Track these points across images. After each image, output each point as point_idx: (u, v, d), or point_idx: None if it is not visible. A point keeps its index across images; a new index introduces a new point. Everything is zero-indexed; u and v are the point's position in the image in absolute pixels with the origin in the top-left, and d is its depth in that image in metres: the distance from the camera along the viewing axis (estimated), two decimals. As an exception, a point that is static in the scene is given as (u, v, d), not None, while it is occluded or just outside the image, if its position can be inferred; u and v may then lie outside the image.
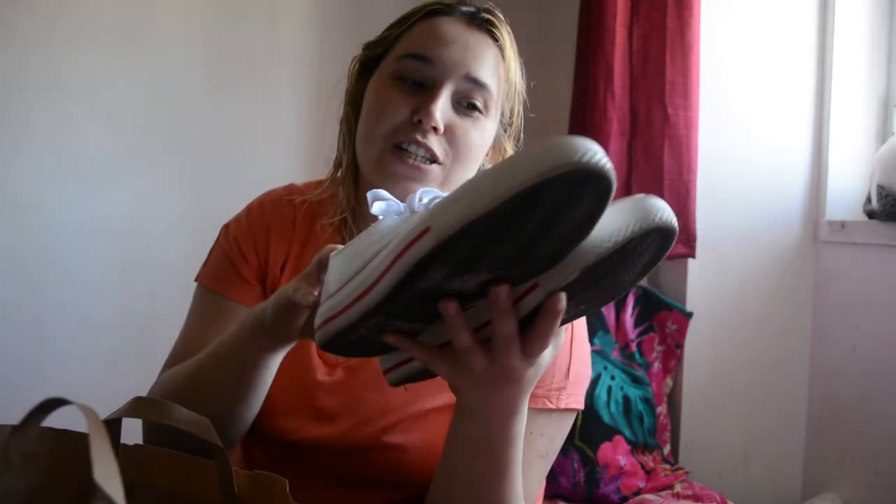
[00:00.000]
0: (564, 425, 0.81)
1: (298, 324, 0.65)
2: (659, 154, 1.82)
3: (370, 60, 0.86)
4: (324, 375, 0.83)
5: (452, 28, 0.81)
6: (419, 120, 0.77)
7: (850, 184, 1.90)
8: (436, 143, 0.79)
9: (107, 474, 0.34)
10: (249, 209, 0.93)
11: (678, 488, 1.69)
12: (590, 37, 1.93)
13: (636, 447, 1.76)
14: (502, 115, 0.86)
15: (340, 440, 0.81)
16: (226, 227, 0.92)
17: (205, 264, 0.91)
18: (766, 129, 1.91)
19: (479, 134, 0.81)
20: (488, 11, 0.83)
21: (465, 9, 0.83)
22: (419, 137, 0.78)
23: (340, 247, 0.61)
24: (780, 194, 1.91)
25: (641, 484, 1.71)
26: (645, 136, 1.86)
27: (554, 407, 0.78)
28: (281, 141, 2.10)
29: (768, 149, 1.91)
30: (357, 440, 0.80)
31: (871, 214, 1.72)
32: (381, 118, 0.80)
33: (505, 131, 0.88)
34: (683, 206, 1.82)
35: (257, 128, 2.07)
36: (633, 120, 1.88)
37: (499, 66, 0.82)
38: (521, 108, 0.89)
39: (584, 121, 1.94)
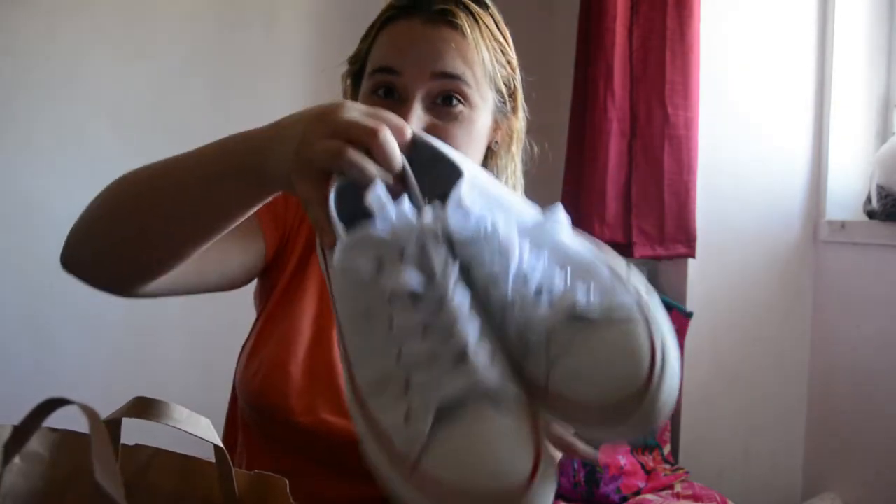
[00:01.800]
0: None
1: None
2: (659, 154, 1.82)
3: (356, 75, 0.87)
4: (337, 361, 0.84)
5: (410, 31, 0.80)
6: None
7: (850, 184, 1.90)
8: None
9: (108, 474, 0.34)
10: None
11: (678, 488, 1.69)
12: (590, 37, 1.93)
13: (636, 447, 1.76)
14: (498, 93, 0.83)
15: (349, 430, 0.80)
16: None
17: None
18: (766, 129, 1.91)
19: (464, 129, 0.79)
20: (443, 1, 0.80)
21: (418, 7, 0.81)
22: None
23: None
24: (780, 194, 1.92)
25: (641, 484, 1.71)
26: (645, 136, 1.86)
27: None
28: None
29: (768, 149, 1.91)
30: None
31: (871, 214, 1.72)
32: None
33: (504, 110, 0.85)
34: (683, 206, 1.82)
35: (258, 126, 2.07)
36: (633, 120, 1.88)
37: (468, 53, 0.79)
38: (515, 78, 0.86)
39: (584, 121, 1.94)
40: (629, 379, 0.40)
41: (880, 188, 1.67)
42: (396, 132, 0.53)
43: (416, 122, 0.76)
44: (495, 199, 0.49)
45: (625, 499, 1.68)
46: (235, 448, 0.93)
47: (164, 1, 1.97)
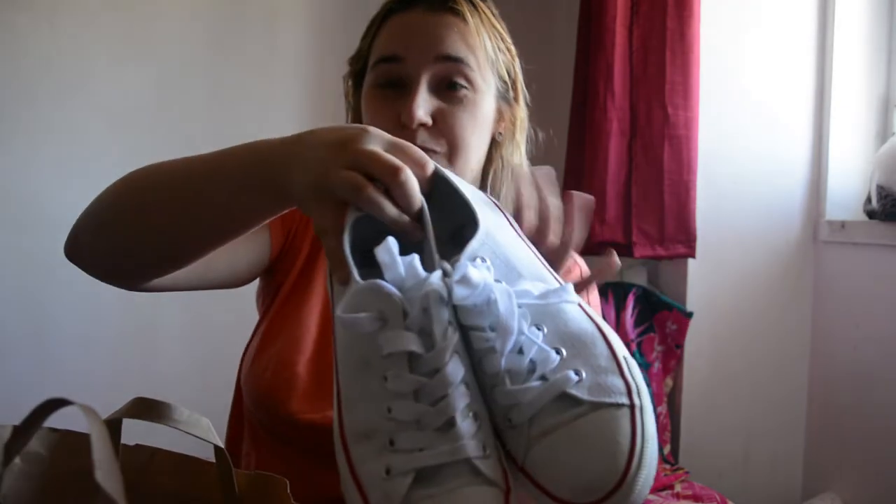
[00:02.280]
0: None
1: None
2: (659, 154, 1.83)
3: (357, 74, 0.87)
4: None
5: (412, 20, 0.81)
6: (405, 122, 0.77)
7: (850, 184, 1.90)
8: (427, 138, 0.78)
9: (108, 475, 0.34)
10: None
11: (678, 488, 1.69)
12: (590, 37, 1.93)
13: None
14: (500, 79, 0.84)
15: None
16: None
17: None
18: (766, 128, 1.91)
19: (469, 113, 0.80)
20: None
21: None
22: (411, 139, 0.77)
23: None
24: (780, 194, 1.92)
25: (641, 484, 1.71)
26: (645, 136, 1.86)
27: None
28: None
29: (768, 149, 1.91)
30: None
31: (871, 214, 1.72)
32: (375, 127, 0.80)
33: (507, 97, 0.86)
34: (683, 206, 1.82)
35: (258, 128, 2.07)
36: (633, 120, 1.88)
37: (469, 38, 0.81)
38: (515, 66, 0.87)
39: (584, 121, 1.94)
40: (604, 474, 0.40)
41: (880, 188, 1.67)
42: (418, 167, 0.53)
43: (422, 106, 0.77)
44: (504, 259, 0.50)
45: (625, 499, 1.68)
46: (239, 448, 0.93)
47: (165, 1, 1.97)
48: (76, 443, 0.58)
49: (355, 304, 0.46)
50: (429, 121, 0.78)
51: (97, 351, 1.90)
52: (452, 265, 0.46)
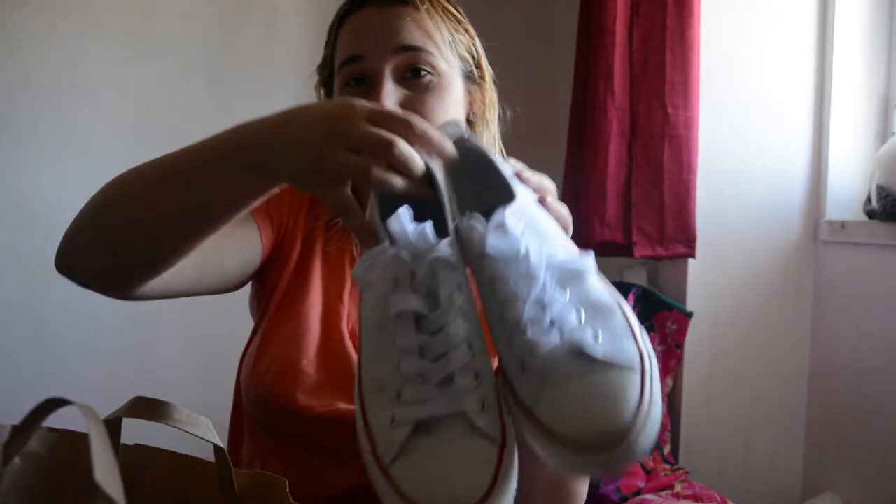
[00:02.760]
0: None
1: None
2: (659, 154, 1.82)
3: (327, 81, 0.89)
4: (350, 351, 0.85)
5: (366, 18, 0.82)
6: None
7: (850, 184, 1.90)
8: None
9: (107, 475, 0.34)
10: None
11: (678, 488, 1.69)
12: (590, 37, 1.93)
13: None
14: (462, 60, 0.85)
15: None
16: None
17: None
18: (766, 129, 1.91)
19: (437, 98, 0.81)
20: None
21: None
22: None
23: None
24: (780, 194, 1.92)
25: (641, 484, 1.71)
26: (645, 136, 1.86)
27: None
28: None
29: (768, 149, 1.91)
30: None
31: (871, 214, 1.72)
32: None
33: (473, 76, 0.87)
34: (683, 206, 1.82)
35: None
36: (633, 120, 1.88)
37: (424, 24, 0.82)
38: (476, 45, 0.88)
39: (584, 121, 1.94)
40: (613, 421, 0.42)
41: (880, 188, 1.67)
42: (406, 128, 0.54)
43: (390, 98, 0.78)
44: (537, 227, 0.53)
45: (625, 499, 1.68)
46: (240, 449, 0.93)
47: (165, 1, 1.97)
48: (75, 442, 0.58)
49: (367, 271, 0.51)
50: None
51: (97, 351, 1.90)
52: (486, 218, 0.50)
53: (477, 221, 0.51)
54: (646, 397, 0.43)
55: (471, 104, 0.87)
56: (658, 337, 1.88)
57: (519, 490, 0.53)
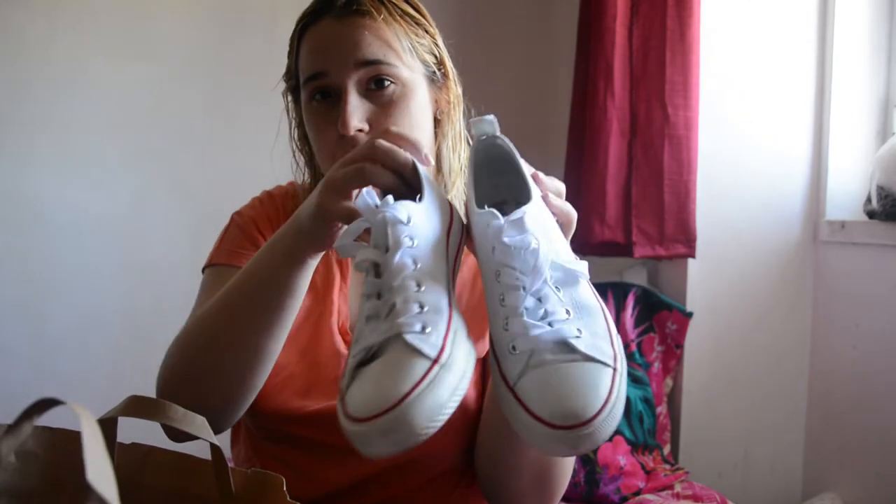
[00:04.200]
0: None
1: (335, 230, 0.67)
2: (659, 154, 1.82)
3: (293, 90, 0.89)
4: (341, 349, 0.86)
5: (324, 32, 0.83)
6: (342, 132, 0.79)
7: (850, 184, 1.90)
8: None
9: (100, 474, 0.35)
10: (261, 199, 0.96)
11: (678, 488, 1.69)
12: (590, 37, 1.93)
13: (636, 447, 1.76)
14: (423, 63, 0.85)
15: None
16: (238, 213, 0.94)
17: (216, 248, 0.91)
18: (766, 129, 1.91)
19: (402, 109, 0.81)
20: None
21: (326, 8, 0.83)
22: (354, 147, 0.77)
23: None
24: (780, 194, 1.91)
25: (641, 484, 1.71)
26: (645, 136, 1.86)
27: None
28: (281, 142, 2.09)
29: (768, 149, 1.91)
30: None
31: (871, 214, 1.72)
32: (319, 145, 0.83)
33: (436, 78, 0.87)
34: (683, 206, 1.82)
35: (257, 128, 2.07)
36: (633, 120, 1.88)
37: (382, 34, 0.81)
38: (439, 45, 0.88)
39: (584, 121, 1.94)
40: (584, 407, 0.48)
41: (880, 188, 1.67)
42: (371, 157, 0.64)
43: (355, 114, 0.79)
44: (546, 228, 0.59)
45: (625, 499, 1.68)
46: (237, 452, 0.94)
47: (165, 3, 1.98)
48: (72, 442, 0.58)
49: (342, 238, 0.60)
50: (365, 126, 0.79)
51: (97, 351, 1.90)
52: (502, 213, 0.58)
53: (494, 215, 0.57)
54: (614, 393, 0.49)
55: (437, 104, 0.87)
56: (658, 337, 1.88)
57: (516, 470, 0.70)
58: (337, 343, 0.86)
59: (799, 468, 1.95)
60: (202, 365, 0.74)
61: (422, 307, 0.53)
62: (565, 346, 0.51)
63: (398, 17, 0.83)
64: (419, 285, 0.54)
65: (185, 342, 0.76)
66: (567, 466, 0.81)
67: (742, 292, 1.91)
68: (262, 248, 0.73)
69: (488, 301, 0.57)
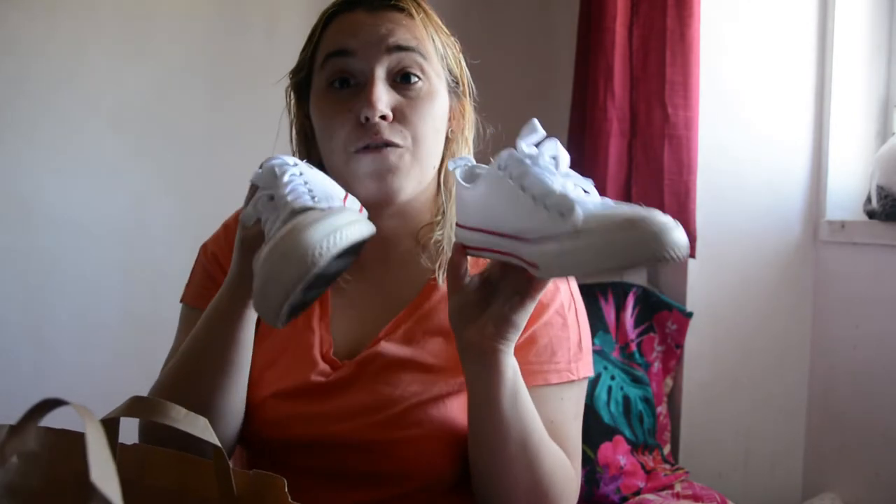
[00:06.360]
0: (584, 388, 0.87)
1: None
2: (659, 154, 1.82)
3: (300, 85, 0.87)
4: (329, 375, 0.82)
5: (356, 19, 0.80)
6: (366, 118, 0.76)
7: (850, 184, 1.90)
8: (390, 132, 0.78)
9: (104, 475, 0.35)
10: (226, 226, 0.93)
11: (678, 488, 1.69)
12: (590, 37, 1.93)
13: (636, 447, 1.76)
14: (450, 72, 0.84)
15: (353, 436, 0.79)
16: (204, 247, 0.92)
17: (188, 285, 0.91)
18: (766, 128, 1.91)
19: (428, 105, 0.80)
20: None
21: (360, 1, 0.81)
22: (374, 134, 0.77)
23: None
24: (780, 194, 1.91)
25: (641, 484, 1.71)
26: (645, 136, 1.86)
27: (576, 378, 0.84)
28: (282, 142, 2.09)
29: (768, 149, 1.91)
30: (371, 433, 0.79)
31: (871, 214, 1.72)
32: (332, 131, 0.79)
33: (456, 93, 0.86)
34: (683, 206, 1.81)
35: (257, 129, 2.07)
36: (633, 120, 1.88)
37: (417, 31, 0.80)
38: (462, 61, 0.87)
39: (584, 121, 1.94)
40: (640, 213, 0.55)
41: (880, 188, 1.67)
42: None
43: (382, 98, 0.76)
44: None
45: (625, 499, 1.68)
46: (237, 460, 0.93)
47: (165, 1, 1.97)
48: (74, 443, 0.58)
49: (249, 207, 0.71)
50: (389, 114, 0.77)
51: (97, 351, 1.90)
52: None
53: (461, 185, 0.69)
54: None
55: (452, 119, 0.86)
56: (658, 337, 1.88)
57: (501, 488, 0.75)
58: (320, 371, 0.83)
59: (799, 468, 1.95)
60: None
61: (313, 197, 0.65)
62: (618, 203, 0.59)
63: (434, 24, 0.82)
64: (311, 192, 0.65)
65: (160, 390, 0.80)
66: (563, 482, 0.77)
67: (742, 292, 1.91)
68: (206, 311, 0.76)
69: (519, 213, 0.61)
